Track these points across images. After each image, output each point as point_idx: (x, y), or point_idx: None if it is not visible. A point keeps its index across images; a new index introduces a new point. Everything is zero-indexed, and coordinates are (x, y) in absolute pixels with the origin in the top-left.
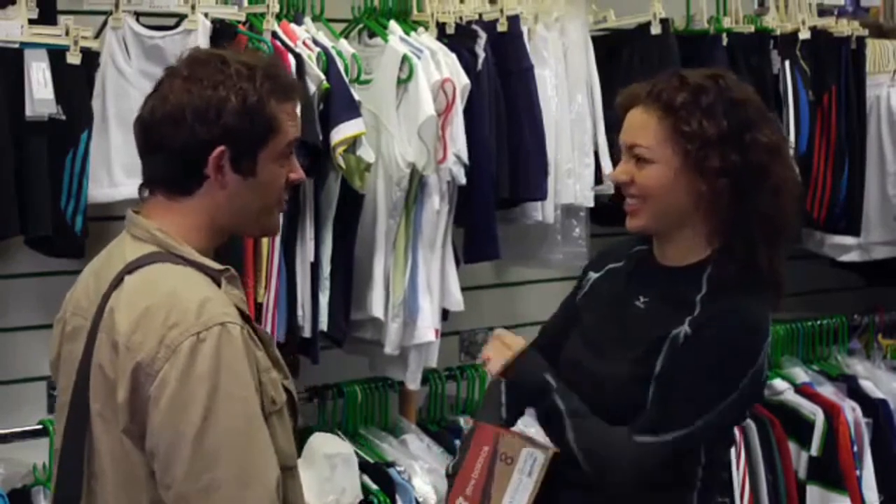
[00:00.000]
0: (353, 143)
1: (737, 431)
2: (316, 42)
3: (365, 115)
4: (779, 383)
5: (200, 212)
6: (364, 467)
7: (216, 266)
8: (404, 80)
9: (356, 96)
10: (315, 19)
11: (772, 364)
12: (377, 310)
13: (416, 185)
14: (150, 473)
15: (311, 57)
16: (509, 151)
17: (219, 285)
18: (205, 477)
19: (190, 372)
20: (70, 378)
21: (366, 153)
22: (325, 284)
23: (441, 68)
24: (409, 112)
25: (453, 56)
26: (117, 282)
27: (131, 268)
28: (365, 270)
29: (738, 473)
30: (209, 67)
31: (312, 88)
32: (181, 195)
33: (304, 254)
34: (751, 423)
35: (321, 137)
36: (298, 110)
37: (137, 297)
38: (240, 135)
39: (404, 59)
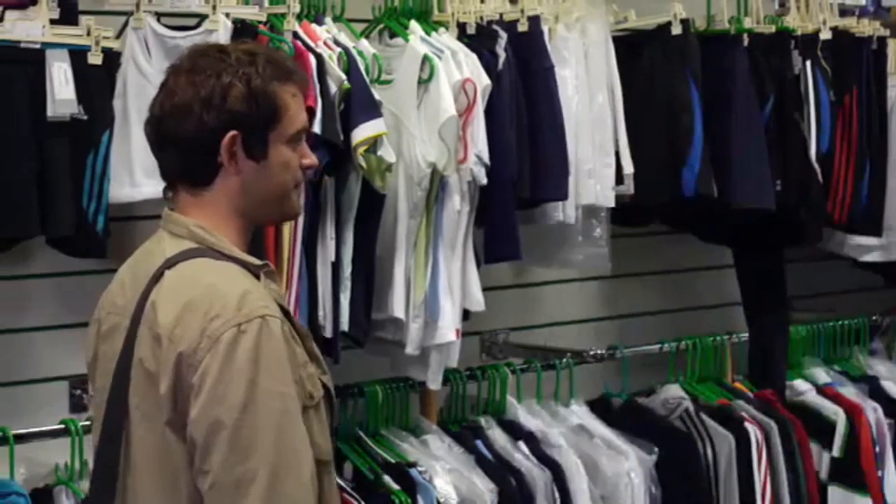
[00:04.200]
0: (374, 144)
1: (758, 432)
2: (337, 42)
3: (385, 115)
4: (800, 384)
5: (222, 202)
6: (385, 467)
7: (255, 261)
8: (425, 80)
9: (377, 96)
10: (336, 19)
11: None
12: (398, 310)
13: (437, 186)
14: (189, 463)
15: (331, 57)
16: (530, 151)
17: (258, 279)
18: (239, 468)
19: (230, 363)
20: (107, 377)
21: (387, 153)
22: (347, 284)
23: (462, 68)
24: (429, 112)
25: (474, 56)
26: (157, 277)
27: (171, 263)
28: (386, 270)
29: (760, 474)
30: (210, 58)
31: (333, 88)
32: (201, 187)
33: (325, 254)
34: (772, 425)
35: (342, 137)
36: (311, 101)
37: (179, 291)
38: (248, 119)
39: (425, 59)
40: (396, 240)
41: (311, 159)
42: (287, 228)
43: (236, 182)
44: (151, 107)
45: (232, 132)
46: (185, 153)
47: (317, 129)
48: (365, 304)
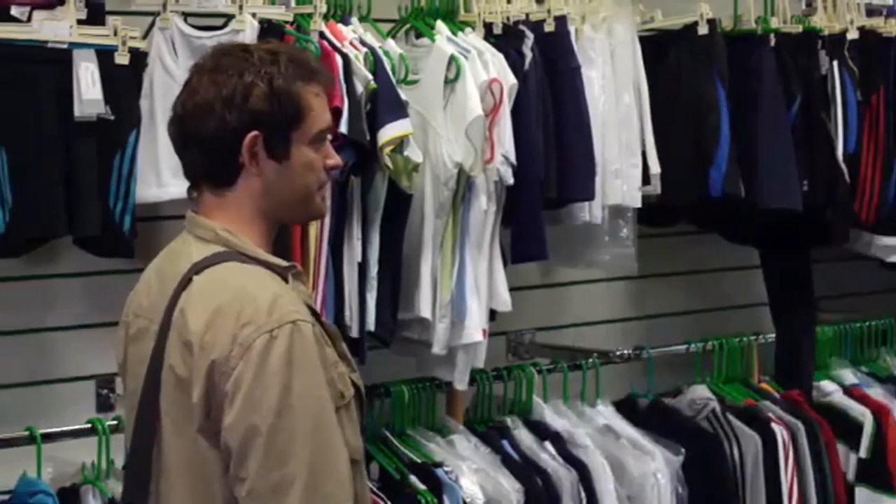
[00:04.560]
0: (400, 144)
1: (784, 433)
2: (363, 42)
3: (412, 115)
4: (827, 385)
5: (245, 203)
6: (412, 467)
7: (282, 263)
8: (452, 80)
9: (403, 96)
10: (362, 19)
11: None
12: (425, 310)
13: (464, 185)
14: (224, 470)
15: (358, 57)
16: (556, 151)
17: (286, 281)
18: (277, 473)
19: (263, 369)
20: (138, 380)
21: (413, 153)
22: (373, 284)
23: (488, 68)
24: (456, 112)
25: (500, 56)
26: (186, 282)
27: (199, 268)
28: (412, 270)
29: (787, 475)
30: (233, 57)
31: (359, 88)
32: (223, 187)
33: (352, 254)
34: (799, 425)
35: (368, 137)
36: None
37: (208, 297)
38: (270, 118)
39: (452, 59)
40: (423, 239)
41: (336, 160)
42: (313, 229)
43: (258, 183)
44: (174, 106)
45: (253, 132)
46: (208, 153)
47: (343, 129)
48: (391, 304)
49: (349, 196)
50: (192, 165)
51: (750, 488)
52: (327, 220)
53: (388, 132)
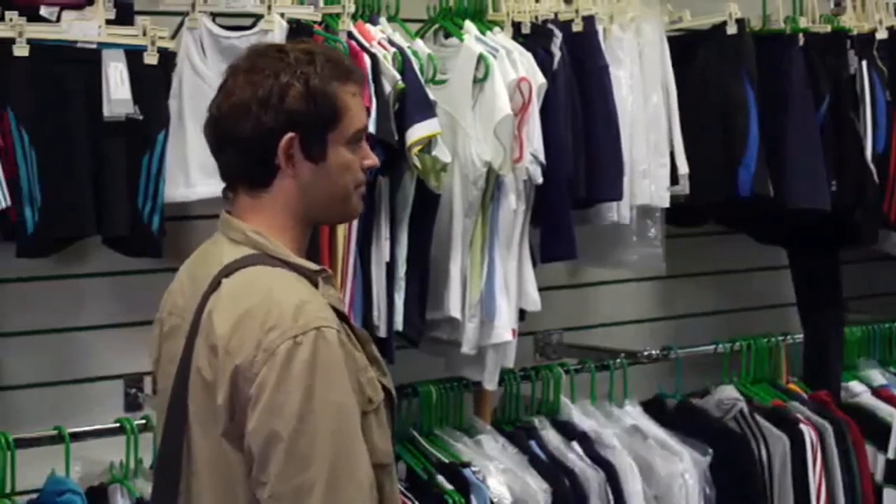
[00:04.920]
0: (428, 143)
1: (812, 433)
2: (391, 42)
3: (440, 114)
4: (855, 385)
5: (280, 204)
6: (439, 467)
7: (312, 266)
8: (480, 79)
9: (432, 96)
10: (390, 19)
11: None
12: (454, 310)
13: (493, 185)
14: (247, 473)
15: (386, 57)
16: (585, 151)
17: (315, 286)
18: (297, 478)
19: (286, 375)
20: (168, 379)
21: (441, 153)
22: (401, 284)
23: (517, 67)
24: (485, 111)
25: (529, 55)
26: (215, 285)
27: (228, 271)
28: (441, 270)
29: (815, 476)
30: (269, 58)
31: (388, 88)
32: (260, 189)
33: (380, 254)
34: (827, 426)
35: (396, 137)
36: (365, 100)
37: (235, 301)
38: (306, 119)
39: (480, 58)
40: (452, 239)
41: (373, 160)
42: (341, 229)
43: (294, 184)
44: (210, 107)
45: (289, 134)
46: (244, 154)
47: (371, 128)
48: (419, 304)
49: (377, 196)
50: (228, 167)
51: (778, 489)
52: (355, 220)
53: (417, 132)
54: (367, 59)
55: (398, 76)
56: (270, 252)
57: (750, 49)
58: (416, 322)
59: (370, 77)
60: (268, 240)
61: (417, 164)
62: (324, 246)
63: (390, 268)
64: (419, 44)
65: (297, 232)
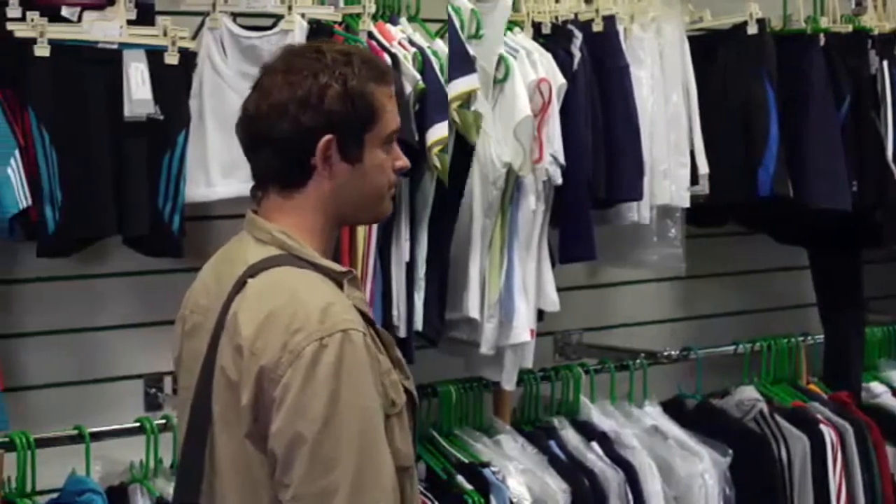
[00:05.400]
0: (468, 99)
1: (833, 434)
2: (412, 42)
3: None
4: (876, 386)
5: (313, 206)
6: (459, 467)
7: (338, 268)
8: (500, 80)
9: (472, 52)
10: (411, 19)
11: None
12: (473, 310)
13: (512, 186)
14: (270, 474)
15: (406, 57)
16: (605, 151)
17: (341, 287)
18: (321, 481)
19: (312, 377)
20: (192, 376)
21: (482, 107)
22: (421, 284)
23: (537, 68)
24: (505, 112)
25: (549, 56)
26: (240, 285)
27: (254, 271)
28: (461, 271)
29: (835, 476)
30: (306, 58)
31: (408, 88)
32: (293, 189)
33: (400, 254)
34: (847, 427)
35: (417, 137)
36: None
37: (260, 302)
38: (344, 120)
39: (500, 58)
40: (472, 239)
41: (404, 161)
42: (361, 230)
43: (329, 185)
44: (245, 106)
45: (328, 136)
46: (280, 154)
47: None
48: (439, 304)
49: (397, 196)
50: (262, 167)
51: (798, 490)
52: None
53: (437, 132)
54: (387, 60)
55: (418, 76)
56: (297, 253)
57: (770, 49)
58: (435, 322)
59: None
60: (294, 240)
61: (437, 164)
62: (344, 247)
63: (410, 268)
64: (439, 44)
65: (325, 233)
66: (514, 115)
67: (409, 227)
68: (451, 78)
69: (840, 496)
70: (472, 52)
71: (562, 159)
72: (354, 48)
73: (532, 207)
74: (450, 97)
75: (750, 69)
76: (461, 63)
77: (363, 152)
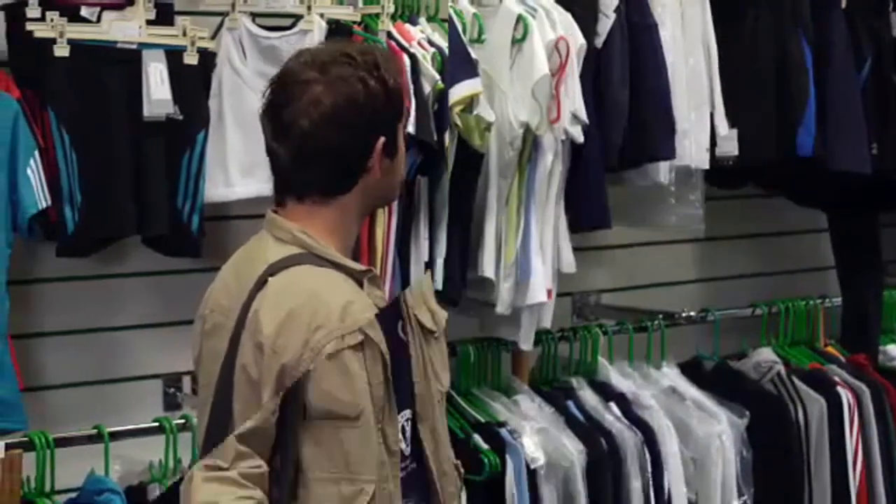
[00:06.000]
0: (470, 103)
1: (850, 396)
2: (431, 42)
3: (480, 74)
4: (893, 349)
5: (349, 207)
6: (475, 427)
7: (358, 267)
8: (519, 39)
9: (474, 55)
10: (430, 19)
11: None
12: (489, 270)
13: (530, 146)
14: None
15: (425, 57)
16: (635, 110)
17: (361, 286)
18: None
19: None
20: (211, 375)
21: (485, 112)
22: (439, 263)
23: (556, 27)
24: (522, 72)
25: (568, 15)
26: (261, 284)
27: (274, 270)
28: (477, 230)
29: (851, 439)
30: (339, 64)
31: (427, 88)
32: (338, 195)
33: (419, 253)
34: (864, 389)
35: (435, 137)
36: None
37: (281, 300)
38: (390, 119)
39: (519, 18)
40: (487, 200)
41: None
42: (380, 229)
43: (372, 182)
44: (292, 120)
45: (382, 138)
46: (336, 163)
47: (411, 129)
48: (461, 265)
49: (416, 196)
50: (312, 178)
51: (815, 451)
52: (394, 219)
53: (460, 90)
54: (406, 60)
55: (437, 76)
56: (317, 252)
57: (806, 7)
58: (457, 282)
59: (409, 77)
60: (314, 239)
61: (459, 122)
62: (363, 246)
63: (431, 227)
64: (463, 3)
65: (346, 231)
66: (532, 74)
67: (427, 226)
68: (452, 82)
69: (857, 457)
70: (474, 55)
71: (583, 117)
72: (371, 47)
73: (549, 167)
74: (452, 101)
75: (786, 27)
76: (463, 66)
77: (398, 145)
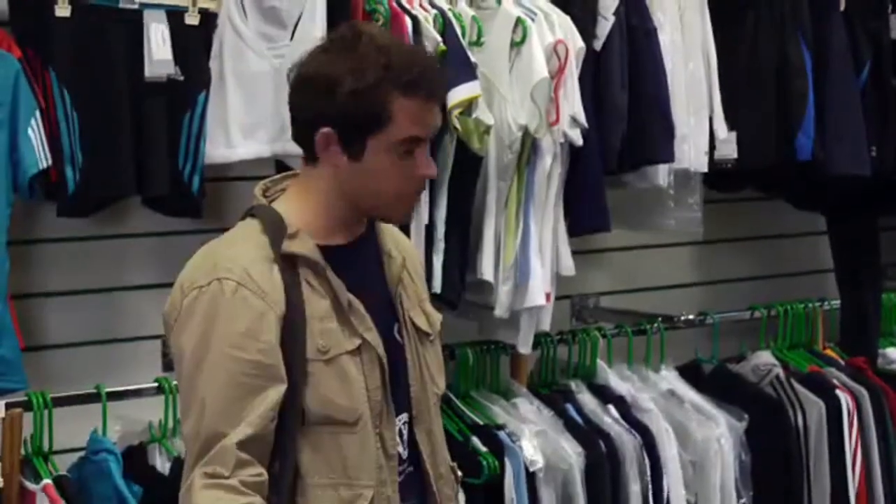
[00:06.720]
0: (469, 106)
1: (849, 399)
2: (432, 4)
3: (478, 77)
4: (892, 352)
5: (326, 185)
6: (474, 429)
7: (289, 226)
8: (518, 42)
9: (472, 58)
10: None
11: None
12: (488, 272)
13: (529, 149)
14: None
15: (427, 19)
16: (635, 112)
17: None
18: (187, 424)
19: (188, 321)
20: None
21: (484, 115)
22: (440, 247)
23: (555, 30)
24: (521, 75)
25: (567, 18)
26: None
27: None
28: (476, 233)
29: (850, 443)
30: (341, 42)
31: (429, 50)
32: (310, 164)
33: (419, 216)
34: (863, 392)
35: None
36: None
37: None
38: (346, 118)
39: (518, 21)
40: (487, 202)
41: (427, 170)
42: None
43: (332, 172)
44: (288, 75)
45: (327, 129)
46: (296, 128)
47: None
48: (459, 267)
49: None
50: (292, 132)
51: (814, 454)
52: None
53: (459, 93)
54: (408, 21)
55: (439, 38)
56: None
57: (805, 10)
58: (455, 284)
59: (411, 39)
60: (284, 202)
61: (458, 125)
62: None
63: (429, 230)
64: (461, 5)
65: (337, 212)
66: (531, 77)
67: (428, 189)
68: (451, 85)
69: (856, 461)
70: (472, 58)
71: (582, 120)
72: (396, 45)
73: (548, 170)
74: (450, 104)
75: (785, 30)
76: (462, 69)
77: (364, 153)
